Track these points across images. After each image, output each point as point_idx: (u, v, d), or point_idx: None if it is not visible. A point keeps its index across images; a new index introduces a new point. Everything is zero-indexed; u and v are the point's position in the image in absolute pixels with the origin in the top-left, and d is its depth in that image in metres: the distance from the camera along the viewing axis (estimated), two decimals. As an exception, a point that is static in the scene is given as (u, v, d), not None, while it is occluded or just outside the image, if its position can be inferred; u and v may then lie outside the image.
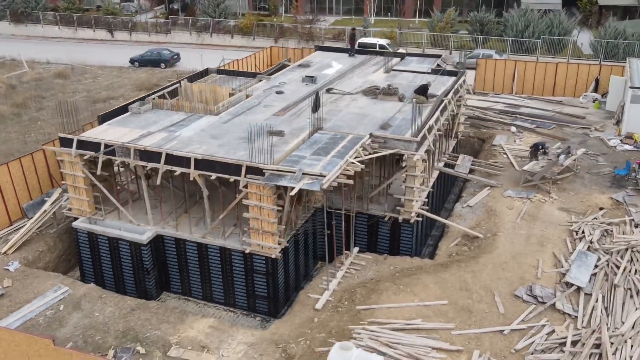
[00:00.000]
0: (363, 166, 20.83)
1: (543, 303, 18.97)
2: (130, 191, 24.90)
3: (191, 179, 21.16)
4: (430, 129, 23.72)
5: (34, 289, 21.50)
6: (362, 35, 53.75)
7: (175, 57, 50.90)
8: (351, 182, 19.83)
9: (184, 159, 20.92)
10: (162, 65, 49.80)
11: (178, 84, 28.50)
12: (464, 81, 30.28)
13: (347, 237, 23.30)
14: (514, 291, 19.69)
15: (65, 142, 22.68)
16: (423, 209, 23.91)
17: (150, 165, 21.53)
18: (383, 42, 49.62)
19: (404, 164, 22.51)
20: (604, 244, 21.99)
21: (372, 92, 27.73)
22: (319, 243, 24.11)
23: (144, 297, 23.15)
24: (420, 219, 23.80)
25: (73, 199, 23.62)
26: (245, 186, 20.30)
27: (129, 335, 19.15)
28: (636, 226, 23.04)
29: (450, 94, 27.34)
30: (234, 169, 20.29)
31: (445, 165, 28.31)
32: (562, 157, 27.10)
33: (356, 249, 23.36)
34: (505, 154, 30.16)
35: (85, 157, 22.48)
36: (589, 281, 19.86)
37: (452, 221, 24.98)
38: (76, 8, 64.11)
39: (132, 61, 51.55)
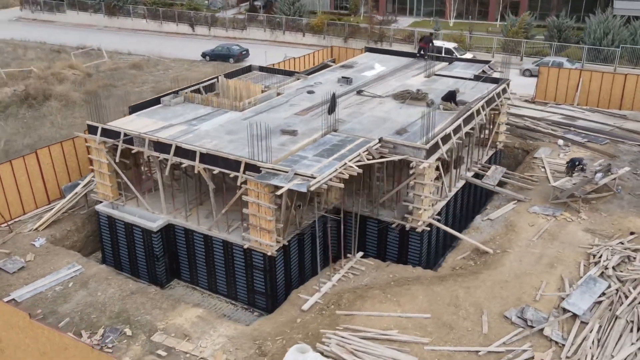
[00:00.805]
0: (360, 170, 20.56)
1: (532, 327, 17.97)
2: (154, 180, 25.95)
3: (195, 172, 21.82)
4: (446, 138, 23.01)
5: (51, 265, 22.96)
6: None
7: (244, 52, 52.23)
8: (342, 185, 19.64)
9: (190, 152, 21.59)
10: (231, 60, 51.26)
11: (216, 79, 29.38)
12: (505, 89, 29.02)
13: (355, 241, 23.15)
14: (505, 311, 18.78)
15: (92, 130, 24.02)
16: (435, 219, 23.29)
17: (162, 156, 22.39)
18: (450, 45, 48.43)
19: (411, 171, 22.02)
20: (620, 271, 20.47)
21: (402, 96, 27.27)
22: (332, 245, 23.99)
23: (154, 283, 24.19)
24: (429, 229, 23.13)
25: (98, 184, 24.98)
26: (245, 182, 20.67)
27: (121, 317, 20.05)
28: (664, 255, 21.26)
29: (482, 102, 26.34)
30: (234, 164, 20.71)
31: (475, 175, 27.35)
32: (598, 175, 25.41)
33: (360, 254, 23.11)
34: (544, 167, 28.64)
35: (108, 145, 23.72)
36: (590, 309, 18.57)
37: (468, 234, 24.14)
38: (162, 2, 67.25)
39: (203, 55, 53.46)
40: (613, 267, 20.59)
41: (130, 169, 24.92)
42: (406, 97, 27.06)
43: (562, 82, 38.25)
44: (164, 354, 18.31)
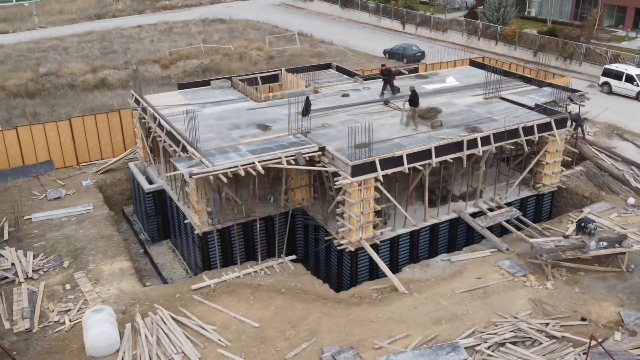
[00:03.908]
0: (261, 170, 20.81)
1: (333, 370, 16.67)
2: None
3: (161, 146, 24.54)
4: (395, 160, 21.46)
5: (77, 201, 28.20)
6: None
7: (419, 54, 51.67)
8: (225, 179, 20.31)
9: (164, 128, 24.35)
10: (405, 60, 51.37)
11: (279, 71, 31.37)
12: (561, 124, 24.96)
13: (284, 244, 23.38)
14: (328, 346, 17.56)
15: (134, 101, 28.33)
16: (372, 243, 22.07)
17: (152, 127, 25.63)
18: (637, 71, 40.93)
19: (335, 186, 21.35)
20: (505, 352, 17.12)
21: (422, 113, 25.59)
22: (281, 240, 24.53)
23: (150, 238, 27.84)
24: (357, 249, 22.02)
25: (139, 146, 29.39)
26: (185, 163, 22.72)
27: (76, 252, 24.07)
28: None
29: (493, 131, 23.39)
30: (181, 145, 22.83)
31: (483, 212, 24.44)
32: (592, 244, 20.63)
33: (291, 257, 23.17)
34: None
35: (136, 113, 27.85)
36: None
37: (416, 268, 22.17)
38: (386, -1, 69.71)
39: (384, 52, 54.53)
40: (498, 343, 17.31)
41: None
42: (423, 114, 25.32)
43: None
44: (68, 287, 21.74)
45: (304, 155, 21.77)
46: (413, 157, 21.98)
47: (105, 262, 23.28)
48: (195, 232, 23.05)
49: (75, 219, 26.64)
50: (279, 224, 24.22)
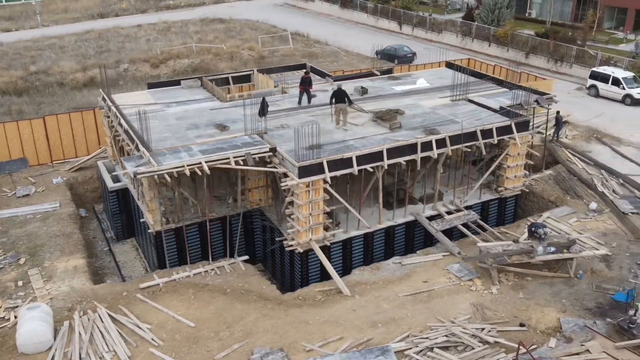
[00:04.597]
0: (207, 170, 20.84)
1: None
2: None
3: (119, 145, 24.68)
4: (344, 161, 21.37)
5: (45, 199, 28.46)
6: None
7: (410, 55, 51.37)
8: (169, 179, 20.39)
9: (123, 127, 24.51)
10: (395, 61, 51.10)
11: (251, 72, 31.41)
12: (524, 127, 24.75)
13: (236, 244, 23.39)
14: (258, 348, 17.54)
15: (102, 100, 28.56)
16: (322, 245, 22.01)
17: (115, 125, 25.84)
18: (623, 74, 40.31)
19: (281, 186, 21.33)
20: (433, 357, 16.99)
21: (380, 114, 25.47)
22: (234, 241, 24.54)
23: (115, 236, 28.04)
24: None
25: (108, 145, 29.62)
26: (139, 162, 22.83)
27: (35, 249, 24.28)
28: None
29: (450, 134, 23.22)
30: (135, 144, 22.97)
31: (448, 213, 24.26)
32: (540, 249, 20.39)
33: (243, 258, 23.18)
34: (532, 228, 23.70)
35: (103, 112, 28.07)
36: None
37: (366, 270, 22.06)
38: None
39: (376, 53, 54.27)
40: (429, 347, 17.17)
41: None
42: (382, 116, 25.21)
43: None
44: (20, 284, 21.95)
45: (254, 156, 21.78)
46: (364, 158, 21.86)
47: (61, 260, 23.47)
48: (149, 230, 23.17)
49: (40, 216, 26.88)
50: (235, 225, 24.25)
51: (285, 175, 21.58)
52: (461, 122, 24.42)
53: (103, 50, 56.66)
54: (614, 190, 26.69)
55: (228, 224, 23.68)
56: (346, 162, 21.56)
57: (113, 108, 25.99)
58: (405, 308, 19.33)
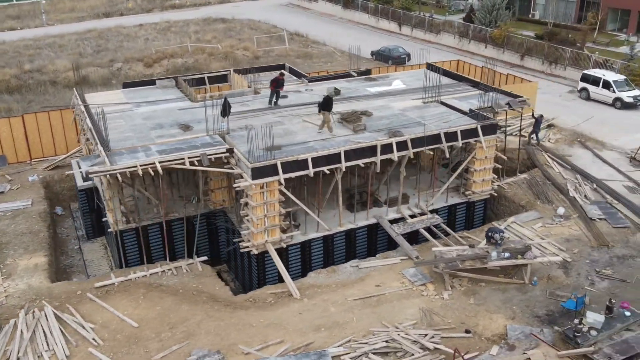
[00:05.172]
0: (160, 170, 20.82)
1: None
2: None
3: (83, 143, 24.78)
4: (299, 163, 21.23)
5: (19, 196, 28.68)
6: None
7: (404, 57, 51.02)
8: (120, 179, 20.41)
9: (88, 127, 24.63)
10: (390, 62, 50.82)
11: (228, 72, 31.39)
12: (490, 131, 24.53)
13: (194, 245, 23.36)
14: (197, 348, 17.48)
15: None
16: (272, 244, 21.87)
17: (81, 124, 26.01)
18: (614, 77, 39.60)
19: (234, 187, 21.27)
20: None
21: (346, 115, 25.29)
22: (200, 241, 24.52)
23: (86, 235, 28.17)
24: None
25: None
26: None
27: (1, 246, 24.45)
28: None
29: (412, 136, 22.97)
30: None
31: (412, 217, 24.04)
32: (493, 254, 20.05)
33: (201, 258, 23.13)
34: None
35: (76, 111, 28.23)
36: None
37: (322, 273, 21.89)
38: (383, 0, 68.83)
39: (372, 53, 54.08)
40: (366, 353, 16.97)
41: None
42: (347, 117, 25.03)
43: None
44: (-22, 282, 22.14)
45: (209, 157, 21.72)
46: (320, 160, 21.70)
47: (24, 257, 23.61)
48: (109, 229, 23.23)
49: (11, 214, 27.08)
50: (199, 225, 24.22)
51: (241, 176, 21.50)
52: (424, 125, 24.16)
53: (101, 49, 57.11)
54: (585, 196, 26.21)
55: (186, 224, 23.61)
56: (302, 164, 21.41)
57: (82, 107, 26.11)
58: (352, 312, 19.14)
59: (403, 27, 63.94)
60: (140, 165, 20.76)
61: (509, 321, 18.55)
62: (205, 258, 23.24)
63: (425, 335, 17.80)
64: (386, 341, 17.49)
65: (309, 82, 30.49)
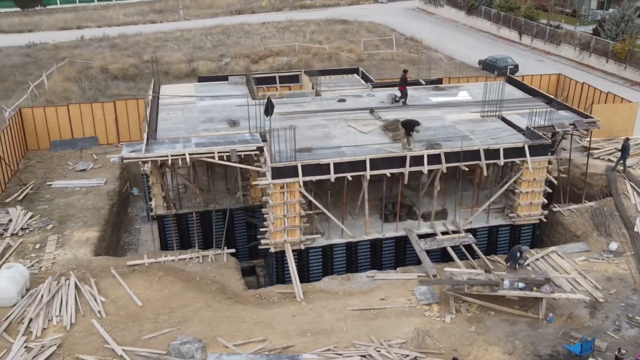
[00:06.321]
0: (188, 160, 21.78)
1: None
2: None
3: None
4: (321, 167, 21.25)
5: (97, 175, 31.28)
6: None
7: (512, 67, 48.42)
8: (147, 167, 21.62)
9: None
10: (495, 72, 48.56)
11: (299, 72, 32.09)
12: (540, 152, 22.92)
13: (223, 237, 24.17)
14: (183, 335, 18.20)
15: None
16: (291, 245, 22.08)
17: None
18: None
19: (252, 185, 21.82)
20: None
21: (387, 124, 24.86)
22: (238, 235, 25.41)
23: (148, 217, 30.14)
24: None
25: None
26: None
27: (65, 218, 26.71)
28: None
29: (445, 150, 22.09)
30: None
31: (444, 234, 23.20)
32: (505, 283, 18.69)
33: (230, 250, 23.80)
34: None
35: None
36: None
37: (338, 280, 21.78)
38: (507, 7, 65.37)
39: (479, 62, 52.04)
40: (338, 366, 16.70)
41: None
42: (387, 126, 24.59)
43: None
44: (37, 247, 24.43)
45: (239, 153, 22.38)
46: (343, 166, 21.54)
47: (80, 230, 25.82)
48: (151, 213, 24.77)
49: (85, 190, 29.68)
50: (237, 218, 25.08)
51: (264, 174, 21.96)
52: (470, 139, 23.06)
53: (219, 44, 60.31)
54: (652, 232, 23.55)
55: (225, 216, 24.45)
56: (324, 168, 21.40)
57: (149, 97, 28.01)
58: (345, 322, 18.85)
59: (523, 36, 60.83)
60: (171, 156, 21.93)
61: (505, 356, 17.28)
62: (233, 250, 23.94)
63: (407, 356, 17.12)
64: (363, 356, 17.08)
65: (373, 87, 30.20)
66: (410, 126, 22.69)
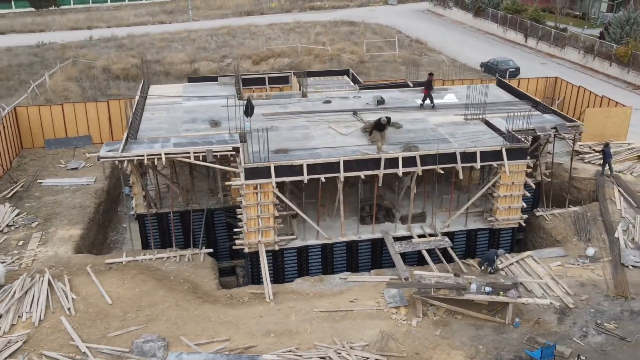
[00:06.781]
0: (163, 161, 21.93)
1: (133, 354, 17.47)
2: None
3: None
4: (294, 168, 21.29)
5: (87, 174, 31.64)
6: None
7: (513, 70, 48.03)
8: (127, 165, 21.81)
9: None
10: (496, 74, 48.15)
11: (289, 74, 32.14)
12: (519, 155, 22.69)
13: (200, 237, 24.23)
14: (147, 334, 18.33)
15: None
16: (265, 245, 22.13)
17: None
18: None
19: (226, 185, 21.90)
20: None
21: (365, 127, 24.83)
22: (219, 234, 25.53)
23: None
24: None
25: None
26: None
27: (51, 215, 27.09)
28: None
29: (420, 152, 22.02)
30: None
31: (420, 236, 23.11)
32: (472, 287, 18.55)
33: (209, 250, 23.93)
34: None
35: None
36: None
37: (311, 281, 21.79)
38: (514, 9, 64.76)
39: (481, 65, 51.68)
40: (296, 367, 16.72)
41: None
42: (365, 128, 24.55)
43: None
44: (20, 243, 24.78)
45: (215, 153, 22.48)
46: (317, 168, 21.54)
47: (64, 228, 26.12)
48: (131, 212, 24.98)
49: (74, 189, 30.02)
50: (216, 218, 25.21)
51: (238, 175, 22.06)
52: (449, 142, 22.95)
53: (224, 45, 60.62)
54: (633, 239, 23.20)
55: (205, 216, 24.62)
56: (296, 170, 21.43)
57: (136, 97, 28.26)
58: (311, 324, 18.85)
59: (529, 39, 60.30)
60: (147, 155, 22.10)
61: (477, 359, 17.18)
62: (210, 250, 24.06)
63: (367, 359, 17.07)
64: (322, 358, 17.07)
65: (360, 89, 30.16)
66: (381, 125, 22.65)
